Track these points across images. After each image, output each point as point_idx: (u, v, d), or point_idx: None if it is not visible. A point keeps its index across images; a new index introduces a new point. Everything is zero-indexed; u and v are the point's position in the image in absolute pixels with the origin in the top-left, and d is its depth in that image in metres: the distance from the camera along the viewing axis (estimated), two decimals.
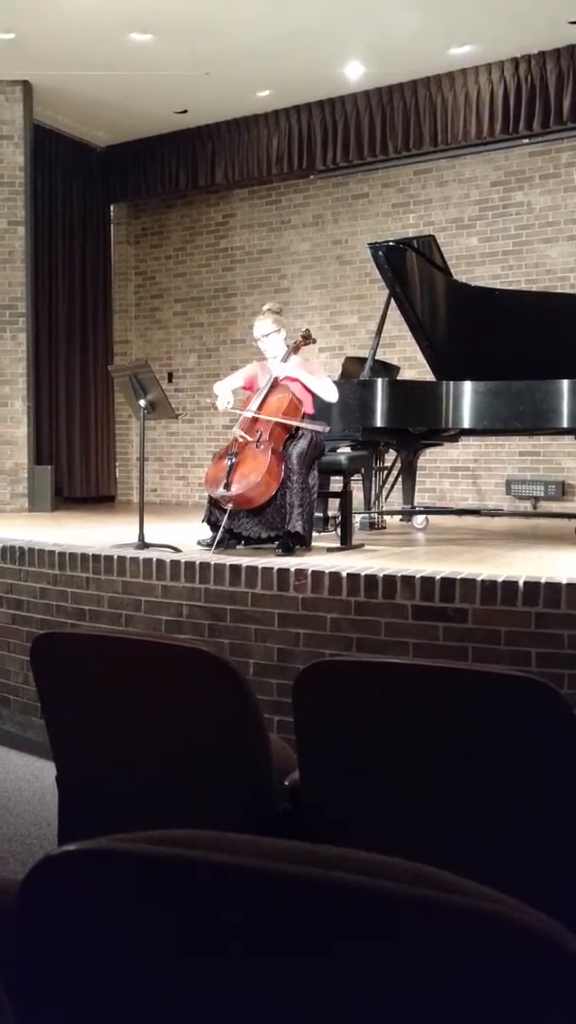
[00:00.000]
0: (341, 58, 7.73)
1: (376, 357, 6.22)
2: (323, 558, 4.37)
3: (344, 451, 5.72)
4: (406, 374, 7.53)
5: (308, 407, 4.78)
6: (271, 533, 4.56)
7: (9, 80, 8.12)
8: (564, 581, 3.44)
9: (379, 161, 8.65)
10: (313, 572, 3.91)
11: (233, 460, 4.52)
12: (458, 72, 7.86)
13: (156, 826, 0.85)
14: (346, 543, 4.98)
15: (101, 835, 0.85)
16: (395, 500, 7.00)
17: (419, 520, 6.75)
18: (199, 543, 4.64)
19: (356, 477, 6.05)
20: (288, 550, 4.48)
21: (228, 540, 4.57)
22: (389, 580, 3.73)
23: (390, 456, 6.93)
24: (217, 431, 9.67)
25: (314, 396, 4.83)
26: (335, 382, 5.00)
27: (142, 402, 4.83)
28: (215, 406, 4.96)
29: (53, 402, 9.58)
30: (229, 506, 4.48)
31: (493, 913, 0.73)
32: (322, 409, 5.07)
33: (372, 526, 6.33)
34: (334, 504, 5.49)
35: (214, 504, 4.63)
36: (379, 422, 5.51)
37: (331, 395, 4.83)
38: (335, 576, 3.85)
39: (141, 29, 7.21)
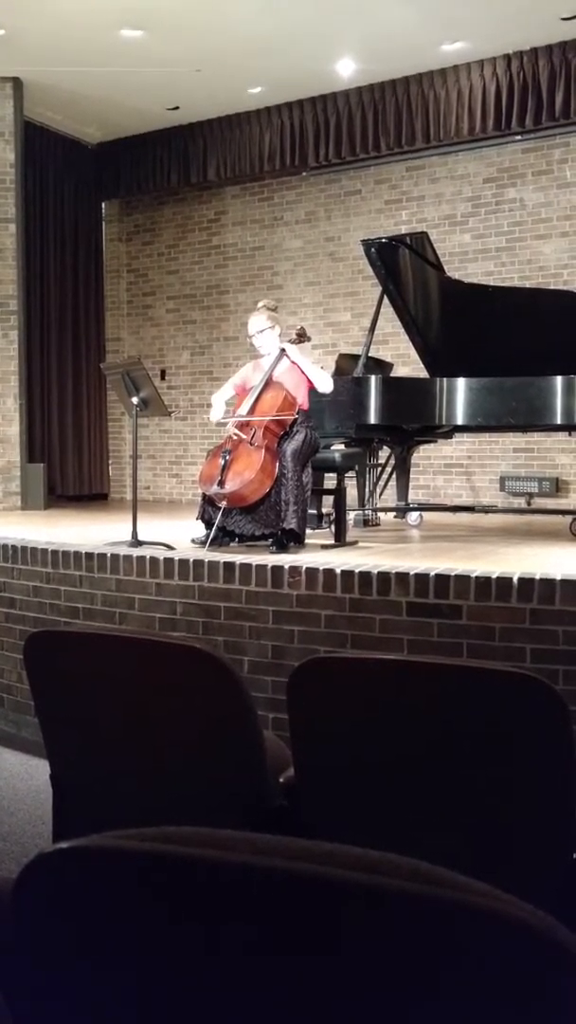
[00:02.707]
0: (333, 55, 7.72)
1: (369, 354, 6.21)
2: (317, 555, 4.36)
3: (338, 448, 5.72)
4: (399, 371, 7.52)
5: (303, 402, 4.77)
6: (265, 531, 4.55)
7: None
8: (558, 577, 3.45)
9: (371, 158, 8.64)
10: (307, 569, 3.91)
11: (227, 458, 4.51)
12: (450, 69, 7.85)
13: (151, 823, 0.85)
14: (340, 540, 4.98)
15: (95, 833, 0.84)
16: (389, 497, 7.00)
17: (413, 517, 6.75)
18: (193, 541, 4.63)
19: (350, 474, 6.05)
20: (282, 547, 4.48)
21: (222, 537, 4.57)
22: (383, 577, 3.73)
23: (384, 453, 6.93)
24: (210, 428, 9.66)
25: (309, 392, 4.83)
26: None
27: (135, 399, 4.82)
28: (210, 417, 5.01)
29: (45, 400, 9.56)
30: (223, 503, 4.47)
31: (490, 909, 0.73)
32: (316, 407, 5.07)
33: (366, 523, 6.34)
34: (328, 501, 5.49)
35: (208, 501, 4.62)
36: (373, 419, 5.51)
37: (326, 385, 4.83)
38: (329, 573, 3.85)
39: (133, 25, 7.19)
